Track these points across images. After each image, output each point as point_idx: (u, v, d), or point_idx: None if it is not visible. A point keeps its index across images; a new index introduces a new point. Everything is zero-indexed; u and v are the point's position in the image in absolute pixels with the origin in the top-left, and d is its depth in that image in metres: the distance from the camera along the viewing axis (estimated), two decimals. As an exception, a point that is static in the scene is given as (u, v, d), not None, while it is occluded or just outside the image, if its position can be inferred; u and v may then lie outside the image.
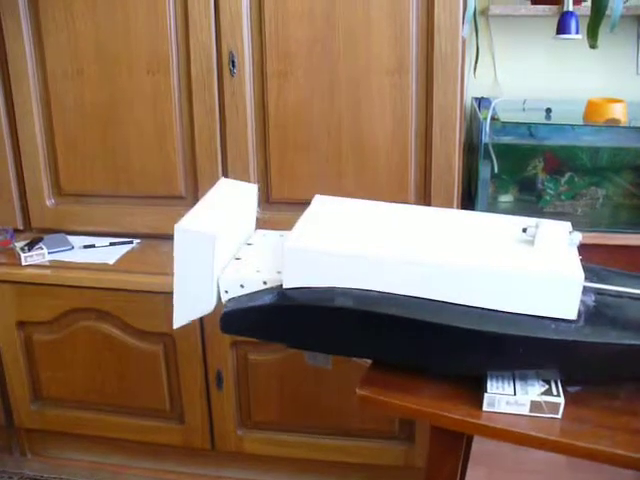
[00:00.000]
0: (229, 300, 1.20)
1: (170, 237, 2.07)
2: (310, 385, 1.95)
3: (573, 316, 1.08)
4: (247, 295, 1.19)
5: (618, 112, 1.99)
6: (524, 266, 1.10)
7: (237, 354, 1.96)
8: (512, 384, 1.12)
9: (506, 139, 2.06)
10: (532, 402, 1.09)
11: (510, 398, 1.09)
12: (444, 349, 1.10)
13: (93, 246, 2.10)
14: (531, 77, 2.31)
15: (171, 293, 1.88)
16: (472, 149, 2.24)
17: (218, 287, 1.20)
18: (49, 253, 2.04)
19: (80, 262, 2.00)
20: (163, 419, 2.08)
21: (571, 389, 1.13)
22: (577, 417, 1.09)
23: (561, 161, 2.11)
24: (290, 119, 1.95)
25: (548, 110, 2.12)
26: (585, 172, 2.10)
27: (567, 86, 2.28)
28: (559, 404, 1.08)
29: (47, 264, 2.01)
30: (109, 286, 1.94)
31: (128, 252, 2.07)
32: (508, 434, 1.07)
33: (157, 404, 2.05)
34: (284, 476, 2.11)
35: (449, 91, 1.87)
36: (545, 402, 1.08)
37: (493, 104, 2.14)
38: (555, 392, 1.10)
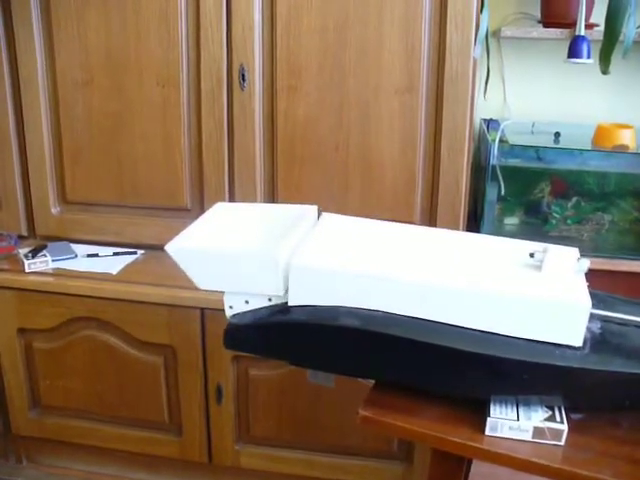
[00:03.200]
0: (233, 316, 1.20)
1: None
2: (310, 402, 1.94)
3: (579, 343, 1.08)
4: (251, 311, 1.18)
5: (627, 138, 1.99)
6: (531, 291, 1.09)
7: (238, 369, 1.95)
8: (515, 409, 1.11)
9: (514, 161, 2.06)
10: (535, 428, 1.08)
11: (513, 423, 1.08)
12: (448, 372, 1.10)
13: (97, 255, 2.10)
14: (540, 100, 2.31)
15: (173, 306, 1.89)
16: (479, 170, 2.24)
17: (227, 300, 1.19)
18: (53, 261, 2.04)
19: (83, 271, 2.00)
20: (161, 431, 2.06)
21: (574, 416, 1.12)
22: (580, 445, 1.08)
23: (568, 185, 2.11)
24: (298, 134, 1.95)
25: (557, 134, 2.12)
26: (592, 197, 2.09)
27: (576, 110, 2.28)
28: (562, 431, 1.07)
29: (50, 272, 2.01)
30: (111, 296, 1.93)
31: (131, 263, 2.07)
32: (510, 460, 1.06)
33: (155, 416, 2.04)
34: (280, 493, 2.10)
35: (459, 112, 1.87)
36: (548, 428, 1.07)
37: (502, 126, 2.14)
38: (558, 419, 1.09)
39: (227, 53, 1.93)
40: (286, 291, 1.15)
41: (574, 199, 2.11)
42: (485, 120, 2.32)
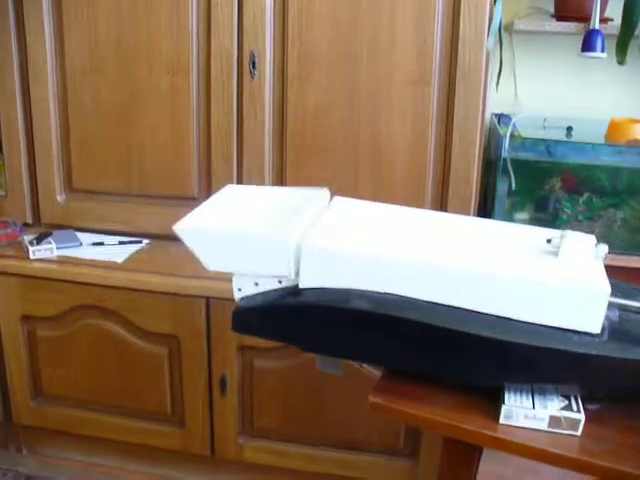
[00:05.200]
0: (241, 298, 1.17)
1: (180, 239, 2.06)
2: (315, 395, 1.91)
3: (597, 330, 1.05)
4: (260, 294, 1.16)
5: (641, 133, 1.97)
6: (549, 276, 1.06)
7: (243, 360, 1.92)
8: (530, 398, 1.08)
9: (525, 155, 2.04)
10: (551, 417, 1.05)
11: (529, 412, 1.05)
12: (462, 357, 1.07)
13: (102, 244, 2.08)
14: (552, 96, 2.29)
15: (178, 295, 1.87)
16: (489, 165, 2.21)
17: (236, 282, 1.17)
18: (57, 248, 2.01)
19: (88, 259, 1.98)
20: (163, 422, 2.04)
21: (590, 407, 1.09)
22: (597, 435, 1.05)
23: (580, 181, 2.08)
24: (308, 123, 1.92)
25: (569, 129, 2.10)
26: (604, 193, 2.07)
27: (589, 106, 2.26)
28: (579, 420, 1.04)
29: (55, 259, 1.98)
30: (116, 284, 1.91)
31: (137, 251, 2.05)
32: (526, 449, 1.03)
33: (158, 407, 2.01)
34: (283, 487, 2.07)
35: (471, 103, 1.84)
36: (565, 418, 1.05)
37: (513, 120, 2.12)
38: (575, 408, 1.06)
39: (238, 41, 1.91)
40: (297, 273, 1.12)
41: (586, 195, 2.08)
42: (496, 115, 2.29)
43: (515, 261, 1.11)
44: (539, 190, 2.13)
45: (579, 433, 1.05)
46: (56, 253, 2.00)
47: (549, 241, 1.14)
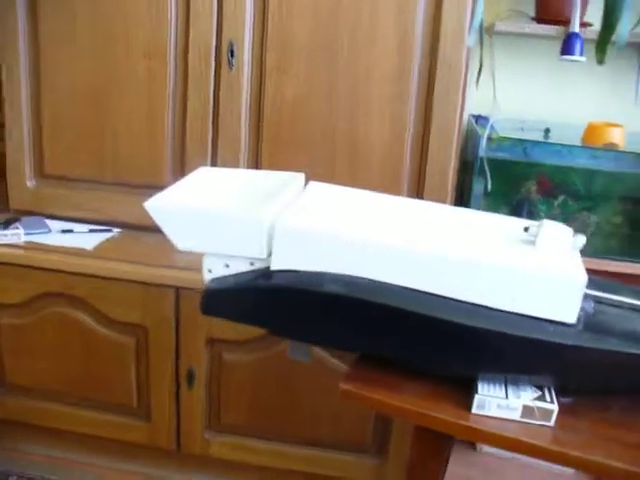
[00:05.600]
0: (212, 280, 1.14)
1: (153, 229, 2.02)
2: (284, 391, 1.88)
3: (573, 320, 1.03)
4: (231, 275, 1.13)
5: (617, 137, 1.97)
6: (525, 263, 1.05)
7: (211, 352, 1.88)
8: (503, 388, 1.06)
9: (502, 155, 2.03)
10: (524, 407, 1.03)
11: (501, 401, 1.04)
12: (435, 344, 1.05)
13: (71, 231, 2.03)
14: (531, 98, 2.29)
15: (148, 284, 1.83)
16: (466, 166, 2.20)
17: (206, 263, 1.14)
18: (25, 234, 1.97)
19: (56, 245, 1.93)
20: (129, 415, 1.99)
21: (563, 399, 1.08)
22: (569, 427, 1.04)
23: (555, 183, 2.08)
24: (285, 116, 1.90)
25: (547, 131, 2.10)
26: (579, 197, 2.07)
27: (567, 110, 2.26)
28: (552, 411, 1.03)
29: (22, 245, 1.93)
30: (84, 271, 1.86)
31: (107, 240, 2.01)
32: (498, 439, 1.01)
33: (124, 399, 1.97)
34: (249, 484, 2.04)
35: (450, 100, 1.83)
36: (538, 408, 1.03)
37: (491, 121, 2.12)
38: (548, 399, 1.05)
39: (217, 29, 1.88)
40: (269, 255, 1.10)
41: (561, 197, 2.08)
42: (474, 116, 2.29)
43: (491, 248, 1.10)
44: (515, 192, 2.12)
45: (552, 424, 1.03)
46: (23, 239, 1.96)
47: (526, 229, 1.13)
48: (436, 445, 1.11)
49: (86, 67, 1.96)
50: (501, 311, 1.04)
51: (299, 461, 1.94)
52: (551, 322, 1.04)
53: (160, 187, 1.94)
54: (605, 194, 2.06)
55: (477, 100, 2.27)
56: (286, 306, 1.09)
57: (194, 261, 1.83)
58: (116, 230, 2.06)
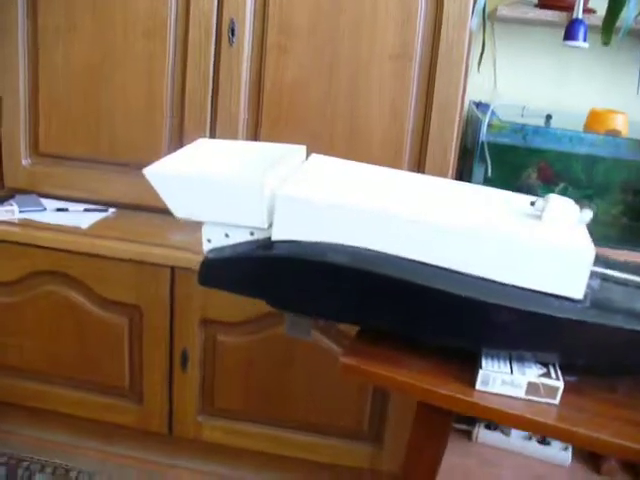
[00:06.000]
0: (210, 250, 1.11)
1: (149, 209, 2.00)
2: (279, 374, 1.86)
3: (579, 295, 1.01)
4: (231, 246, 1.10)
5: (620, 124, 1.95)
6: (532, 236, 1.02)
7: (206, 334, 1.85)
8: (508, 365, 1.04)
9: (503, 140, 2.01)
10: (529, 384, 1.01)
11: (506, 377, 1.01)
12: (439, 317, 1.02)
13: (66, 210, 2.00)
14: (532, 85, 2.26)
15: (142, 263, 1.80)
16: (466, 152, 2.18)
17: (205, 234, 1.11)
18: (20, 212, 1.94)
19: (51, 223, 1.90)
20: (120, 397, 1.96)
21: (568, 379, 1.05)
22: (575, 405, 1.01)
23: (556, 170, 2.06)
24: (285, 95, 1.87)
25: (548, 117, 2.08)
26: (579, 184, 2.05)
27: (568, 98, 2.24)
28: (558, 388, 1.01)
29: (16, 222, 1.90)
30: (79, 249, 1.84)
31: (102, 219, 1.98)
32: (503, 415, 0.99)
33: (116, 381, 1.94)
34: (243, 470, 2.00)
35: (452, 82, 1.81)
36: (543, 385, 1.01)
37: (492, 107, 2.09)
38: (554, 376, 1.02)
39: (217, 6, 1.85)
40: (270, 225, 1.07)
41: (561, 185, 2.06)
42: (475, 103, 2.26)
43: (497, 221, 1.07)
44: (515, 178, 2.10)
45: (557, 401, 1.01)
46: (17, 216, 1.92)
47: (533, 203, 1.10)
48: (438, 422, 1.09)
49: (84, 45, 1.92)
50: (506, 285, 1.02)
51: (294, 447, 1.91)
52: (557, 297, 1.01)
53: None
54: (606, 183, 2.03)
55: (478, 86, 2.25)
56: (286, 277, 1.06)
57: (190, 241, 1.83)
58: (112, 210, 2.03)
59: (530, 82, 2.26)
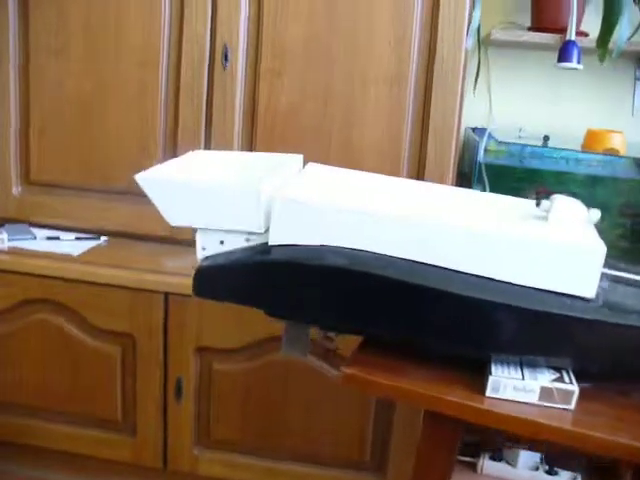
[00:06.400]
0: (205, 258, 1.07)
1: (142, 237, 1.96)
2: (277, 403, 1.80)
3: (592, 294, 0.97)
4: (226, 253, 1.06)
5: (617, 142, 1.93)
6: (540, 235, 0.99)
7: (201, 362, 1.80)
8: (519, 371, 0.99)
9: (500, 162, 1.98)
10: (542, 389, 0.96)
11: (518, 383, 0.96)
12: (446, 321, 0.98)
13: (57, 239, 1.96)
14: (528, 109, 2.25)
15: (136, 289, 1.76)
16: (463, 179, 2.15)
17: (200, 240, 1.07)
18: (9, 240, 1.90)
19: (41, 251, 1.86)
20: (113, 431, 1.89)
21: (582, 385, 1.01)
22: (590, 411, 0.96)
23: (555, 192, 2.03)
24: (279, 120, 1.85)
25: (546, 138, 2.06)
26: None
27: (563, 120, 2.22)
28: (572, 392, 0.96)
29: (5, 250, 1.86)
30: (70, 277, 1.79)
31: (95, 247, 1.94)
32: (517, 422, 0.94)
33: (109, 413, 1.87)
34: (240, 505, 1.93)
35: (448, 105, 1.80)
36: (557, 389, 0.96)
37: (489, 130, 2.08)
38: (567, 380, 0.97)
39: (211, 32, 1.84)
40: (266, 230, 1.03)
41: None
42: (471, 128, 2.25)
43: (504, 222, 1.03)
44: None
45: (572, 407, 0.96)
46: (7, 244, 1.88)
47: (538, 204, 1.07)
48: (447, 433, 1.03)
49: (76, 72, 1.91)
50: (516, 285, 0.98)
51: (294, 478, 1.84)
52: (569, 297, 0.97)
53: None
54: (605, 204, 2.00)
55: (474, 112, 2.23)
56: (284, 282, 1.02)
57: (185, 267, 1.78)
58: (104, 238, 1.99)
59: (525, 104, 2.25)
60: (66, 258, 1.83)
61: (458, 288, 0.96)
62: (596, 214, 1.05)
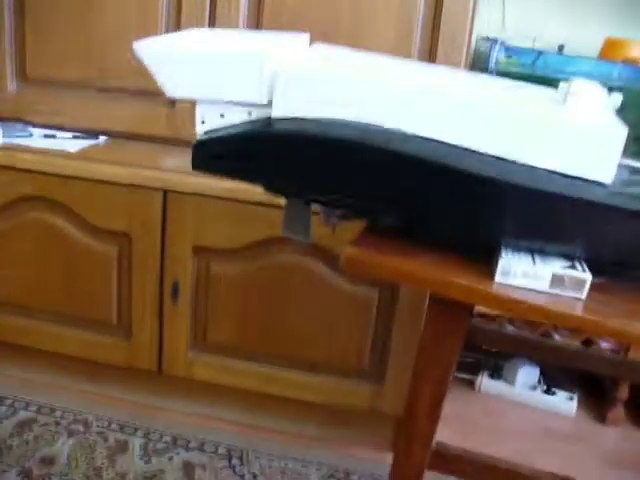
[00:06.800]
0: (205, 132, 1.01)
1: (142, 138, 1.90)
2: (275, 307, 1.76)
3: (609, 179, 0.91)
4: (227, 126, 1.00)
5: (637, 51, 1.85)
6: (558, 114, 0.93)
7: (198, 263, 1.76)
8: (530, 257, 0.94)
9: (512, 70, 1.91)
10: (554, 275, 0.91)
11: (529, 268, 0.92)
12: (456, 201, 0.93)
13: (54, 137, 1.90)
14: (541, 20, 2.16)
15: (133, 186, 1.71)
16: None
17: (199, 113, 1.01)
18: (4, 137, 1.84)
19: (37, 147, 1.80)
20: (108, 333, 1.87)
21: (595, 279, 0.96)
22: (602, 301, 0.92)
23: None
24: (285, 14, 1.77)
25: (560, 47, 1.98)
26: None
27: (579, 31, 2.13)
28: (584, 280, 0.91)
29: (0, 146, 1.80)
30: (65, 173, 1.74)
31: (92, 145, 1.88)
32: (526, 307, 0.89)
33: (103, 315, 1.84)
34: (235, 411, 1.91)
35: (460, 11, 1.72)
36: (569, 277, 0.91)
37: (501, 39, 2.00)
38: (580, 268, 0.93)
39: None
40: (269, 103, 0.97)
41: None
42: (483, 38, 2.16)
43: (521, 100, 0.98)
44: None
45: (583, 296, 0.91)
46: (2, 141, 1.82)
47: (556, 87, 1.01)
48: (453, 321, 1.00)
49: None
50: (530, 167, 0.92)
51: (290, 386, 1.82)
52: (586, 181, 0.92)
53: (150, 93, 1.84)
54: (624, 114, 1.93)
55: (487, 22, 2.15)
56: (287, 156, 0.96)
57: (184, 166, 1.73)
58: (103, 138, 1.93)
59: (540, 13, 2.16)
60: (62, 154, 1.77)
61: (470, 166, 0.91)
62: (617, 98, 0.99)
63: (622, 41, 1.88)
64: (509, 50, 1.94)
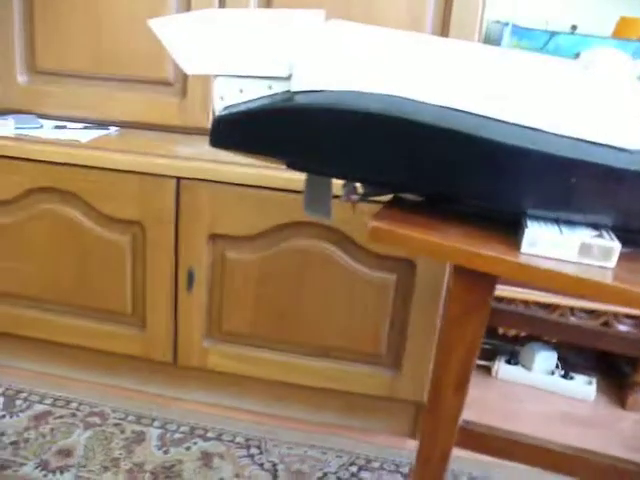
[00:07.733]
0: (224, 108, 1.00)
1: (153, 127, 1.90)
2: (292, 294, 1.75)
3: (637, 146, 0.90)
4: (247, 102, 0.99)
5: (652, 31, 1.83)
6: (582, 82, 0.91)
7: (214, 250, 1.74)
8: (556, 227, 0.93)
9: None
10: (582, 244, 0.90)
11: (556, 238, 0.90)
12: (482, 171, 0.91)
13: (65, 127, 1.89)
14: (553, 4, 2.14)
15: (146, 174, 1.70)
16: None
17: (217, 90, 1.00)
18: (15, 128, 1.83)
19: (48, 138, 1.79)
20: (122, 324, 1.86)
21: (622, 249, 0.95)
22: (631, 269, 0.90)
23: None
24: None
25: (573, 27, 1.96)
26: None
27: (592, 12, 2.11)
28: (613, 249, 0.90)
29: (11, 137, 1.79)
30: (78, 162, 1.73)
31: (104, 135, 1.87)
32: (555, 277, 0.88)
33: (118, 306, 1.83)
34: (252, 400, 1.90)
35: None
36: (597, 245, 0.90)
37: (512, 22, 1.98)
38: (607, 237, 0.91)
39: None
40: (289, 77, 0.96)
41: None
42: (494, 21, 2.15)
43: (544, 68, 0.96)
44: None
45: (612, 264, 0.90)
46: (13, 132, 1.81)
47: (577, 55, 0.99)
48: (479, 294, 0.98)
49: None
50: (554, 134, 0.91)
51: (307, 374, 1.81)
52: (611, 147, 0.90)
53: (162, 82, 1.84)
54: None
55: (498, 3, 2.13)
56: (309, 130, 0.95)
57: (197, 153, 1.72)
58: (114, 128, 1.92)
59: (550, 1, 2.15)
60: (73, 144, 1.76)
61: (498, 135, 0.89)
62: (642, 65, 0.98)
63: (637, 20, 1.86)
64: (520, 32, 1.92)
